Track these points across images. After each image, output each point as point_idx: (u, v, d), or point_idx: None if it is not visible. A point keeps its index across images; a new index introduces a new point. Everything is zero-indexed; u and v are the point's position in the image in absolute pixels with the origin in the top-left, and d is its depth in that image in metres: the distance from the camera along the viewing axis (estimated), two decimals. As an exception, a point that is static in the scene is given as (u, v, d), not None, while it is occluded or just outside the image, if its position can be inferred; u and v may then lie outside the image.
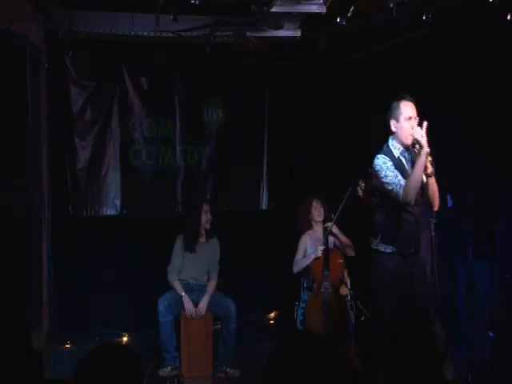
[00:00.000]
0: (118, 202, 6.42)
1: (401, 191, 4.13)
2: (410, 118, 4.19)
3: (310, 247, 5.95)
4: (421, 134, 4.06)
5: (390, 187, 4.19)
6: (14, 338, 2.48)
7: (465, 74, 5.20)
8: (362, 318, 5.74)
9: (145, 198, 6.55)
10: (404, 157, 4.28)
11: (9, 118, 4.57)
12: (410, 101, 4.25)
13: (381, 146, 4.58)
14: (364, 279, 5.59)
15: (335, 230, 5.83)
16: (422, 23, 4.98)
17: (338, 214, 5.60)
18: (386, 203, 4.28)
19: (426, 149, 4.05)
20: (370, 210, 4.64)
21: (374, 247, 4.36)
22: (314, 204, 5.94)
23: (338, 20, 4.87)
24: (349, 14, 4.76)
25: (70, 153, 6.22)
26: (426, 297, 4.37)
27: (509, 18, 4.43)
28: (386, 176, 4.20)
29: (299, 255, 5.94)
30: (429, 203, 4.32)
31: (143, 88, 6.52)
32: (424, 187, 4.24)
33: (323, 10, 4.77)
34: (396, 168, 4.21)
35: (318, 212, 5.92)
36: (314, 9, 4.78)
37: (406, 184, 4.12)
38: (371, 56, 6.42)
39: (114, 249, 6.26)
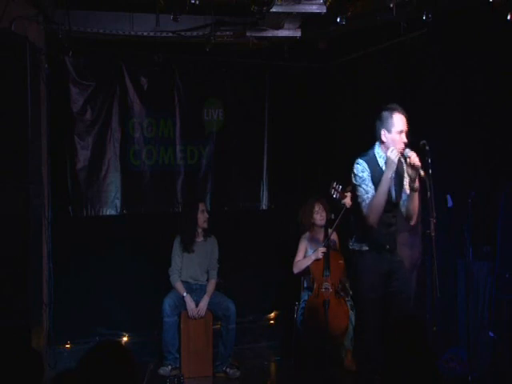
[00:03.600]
0: (118, 202, 6.41)
1: (365, 210, 4.22)
2: (402, 131, 4.25)
3: (310, 248, 5.96)
4: (416, 159, 4.14)
5: (358, 199, 4.30)
6: (14, 338, 2.49)
7: (465, 74, 5.21)
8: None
9: (145, 198, 6.54)
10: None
11: (9, 118, 4.56)
12: (402, 113, 4.29)
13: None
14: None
15: (334, 236, 5.88)
16: (422, 23, 4.98)
17: (336, 223, 5.57)
18: (359, 206, 4.33)
19: (421, 172, 4.11)
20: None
21: (351, 247, 4.46)
22: (317, 208, 5.95)
23: (338, 20, 4.87)
24: (349, 14, 4.77)
25: (70, 153, 6.22)
26: (406, 292, 4.40)
27: (509, 18, 4.43)
28: (358, 187, 4.29)
29: (299, 256, 5.95)
30: (407, 217, 4.35)
31: (143, 88, 6.52)
32: (407, 199, 4.29)
33: (323, 10, 4.78)
34: (375, 178, 4.25)
35: (320, 216, 5.93)
36: (314, 9, 4.78)
37: (370, 204, 4.20)
38: (371, 56, 6.43)
39: (114, 249, 6.25)
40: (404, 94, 5.81)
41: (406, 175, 4.35)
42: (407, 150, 4.20)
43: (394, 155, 4.18)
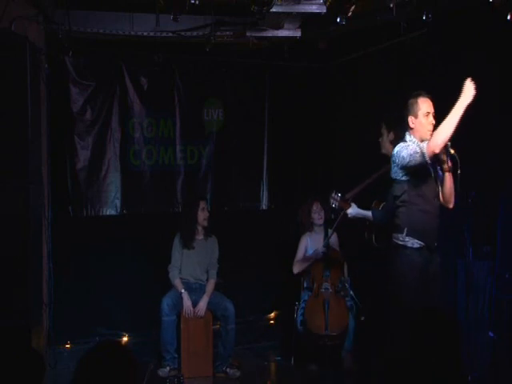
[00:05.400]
0: (118, 202, 6.41)
1: (424, 148, 4.09)
2: (428, 113, 4.25)
3: (310, 248, 5.96)
4: None
5: (413, 158, 4.13)
6: (14, 338, 2.48)
7: (465, 74, 5.20)
8: (362, 318, 5.74)
9: (145, 198, 6.54)
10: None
11: (9, 118, 4.56)
12: (427, 97, 4.30)
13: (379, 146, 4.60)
14: (365, 280, 5.62)
15: (334, 239, 5.88)
16: (422, 23, 4.98)
17: (336, 224, 5.57)
18: (410, 197, 4.22)
19: (450, 150, 4.05)
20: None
21: (401, 242, 4.22)
22: (315, 208, 5.95)
23: (338, 20, 4.87)
24: (349, 14, 4.76)
25: (70, 153, 6.22)
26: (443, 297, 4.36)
27: (509, 18, 4.43)
28: (406, 151, 4.17)
29: (299, 256, 5.95)
30: (444, 201, 4.30)
31: (143, 88, 6.52)
32: (440, 183, 4.24)
33: (323, 10, 4.77)
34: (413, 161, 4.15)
35: (318, 215, 5.94)
36: (314, 9, 4.78)
37: (438, 129, 4.07)
38: (371, 56, 6.42)
39: (114, 249, 6.25)
40: (404, 94, 5.80)
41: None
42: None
43: (470, 86, 4.08)
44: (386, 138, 5.02)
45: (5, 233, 4.49)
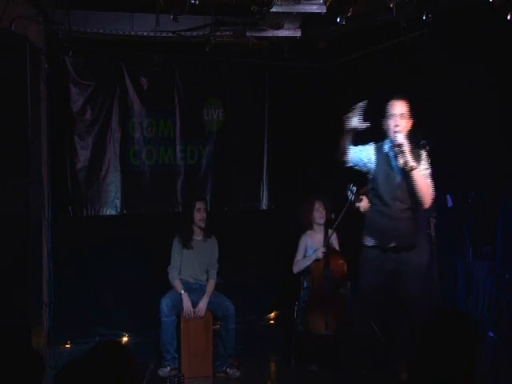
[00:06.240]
0: (118, 202, 6.41)
1: None
2: (393, 115, 4.35)
3: (310, 247, 5.95)
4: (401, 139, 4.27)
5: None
6: (14, 338, 2.48)
7: (465, 74, 5.21)
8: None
9: (145, 198, 6.54)
10: (393, 153, 4.31)
11: (9, 118, 4.56)
12: (399, 99, 4.37)
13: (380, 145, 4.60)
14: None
15: (334, 239, 5.88)
16: (422, 23, 4.98)
17: (337, 223, 5.57)
18: (371, 197, 4.47)
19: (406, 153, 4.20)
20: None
21: (362, 241, 4.56)
22: (317, 206, 5.94)
23: (338, 20, 4.87)
24: (349, 14, 4.76)
25: (70, 153, 6.22)
26: (411, 297, 4.37)
27: (509, 18, 4.43)
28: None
29: (299, 256, 5.95)
30: (418, 201, 4.33)
31: (143, 88, 6.52)
32: (410, 182, 4.26)
33: (323, 10, 4.78)
34: (381, 162, 4.37)
35: (319, 214, 5.93)
36: (314, 9, 4.78)
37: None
38: (371, 56, 6.42)
39: (114, 249, 6.26)
40: (404, 94, 5.81)
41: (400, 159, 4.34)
42: (398, 136, 4.25)
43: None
44: None
45: (5, 233, 4.49)
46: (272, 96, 7.09)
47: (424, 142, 4.64)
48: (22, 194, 4.62)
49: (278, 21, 5.13)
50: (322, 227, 5.91)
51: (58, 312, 5.51)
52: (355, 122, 4.27)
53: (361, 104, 4.26)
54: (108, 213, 6.38)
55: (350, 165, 4.51)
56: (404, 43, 5.69)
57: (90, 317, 6.08)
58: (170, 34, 5.63)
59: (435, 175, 4.53)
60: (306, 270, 5.87)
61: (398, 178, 4.32)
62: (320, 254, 5.73)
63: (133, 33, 5.63)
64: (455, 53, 5.29)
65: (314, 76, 7.15)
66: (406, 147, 4.22)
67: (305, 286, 5.93)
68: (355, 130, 4.32)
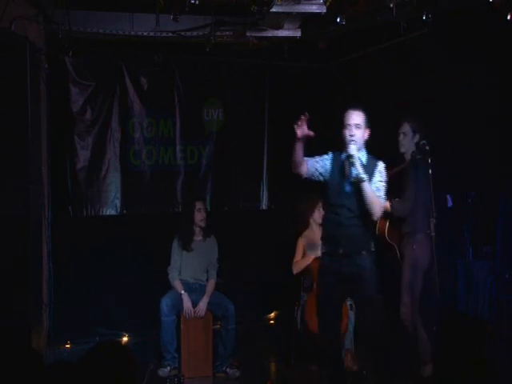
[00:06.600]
0: (118, 202, 6.42)
1: None
2: (347, 125, 4.35)
3: (308, 248, 5.95)
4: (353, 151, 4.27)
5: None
6: (14, 338, 2.48)
7: (465, 74, 5.21)
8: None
9: (145, 198, 6.55)
10: (348, 161, 4.34)
11: (9, 118, 4.56)
12: (355, 109, 4.38)
13: (381, 145, 4.58)
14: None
15: None
16: (422, 23, 4.98)
17: None
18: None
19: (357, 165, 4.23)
20: None
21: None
22: (318, 205, 5.93)
23: (338, 20, 4.87)
24: (349, 14, 4.77)
25: (70, 153, 6.22)
26: (366, 298, 4.39)
27: (509, 18, 4.43)
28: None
29: (298, 256, 5.94)
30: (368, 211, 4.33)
31: (143, 88, 6.52)
32: (359, 193, 4.29)
33: (323, 10, 4.78)
34: (335, 171, 4.41)
35: (320, 214, 5.91)
36: (314, 9, 4.78)
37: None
38: (371, 56, 6.43)
39: (114, 249, 6.26)
40: (404, 94, 5.81)
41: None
42: (350, 146, 4.27)
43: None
44: (411, 138, 5.00)
45: (5, 233, 4.49)
46: (272, 96, 7.09)
47: (424, 142, 4.64)
48: (22, 194, 4.63)
49: (278, 21, 5.13)
50: (320, 227, 5.89)
51: (57, 312, 5.51)
52: (300, 131, 4.30)
53: (303, 116, 4.28)
54: (108, 213, 6.38)
55: (305, 176, 4.54)
56: (404, 43, 5.69)
57: (90, 317, 6.08)
58: (170, 34, 5.63)
59: (435, 175, 4.53)
60: (306, 270, 5.86)
61: (347, 188, 4.35)
62: (319, 253, 5.72)
63: (133, 33, 5.64)
64: (455, 53, 5.29)
65: (314, 76, 7.15)
66: (357, 159, 4.25)
67: (305, 285, 5.93)
68: (302, 140, 4.34)
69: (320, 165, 4.52)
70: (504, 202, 4.94)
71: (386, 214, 4.93)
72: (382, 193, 4.34)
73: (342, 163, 4.40)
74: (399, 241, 5.02)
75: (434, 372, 4.84)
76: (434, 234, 4.65)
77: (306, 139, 4.31)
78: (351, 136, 4.32)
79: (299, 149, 4.38)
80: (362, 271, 4.35)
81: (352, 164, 4.28)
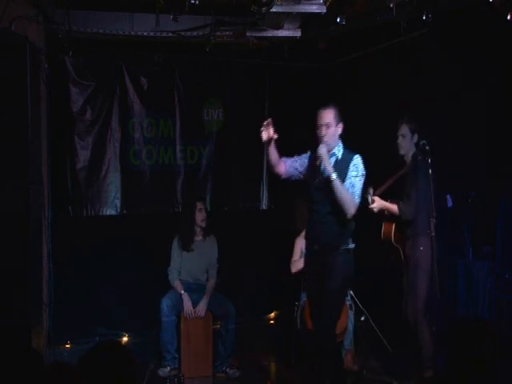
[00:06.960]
0: (118, 202, 6.42)
1: None
2: (319, 125, 4.50)
3: (306, 248, 5.95)
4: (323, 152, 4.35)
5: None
6: (14, 338, 2.48)
7: (465, 74, 5.21)
8: (362, 318, 5.73)
9: (145, 198, 6.55)
10: (317, 161, 4.40)
11: (9, 118, 4.56)
12: (325, 108, 4.55)
13: (381, 145, 4.60)
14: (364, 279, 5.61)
15: None
16: (422, 23, 4.98)
17: None
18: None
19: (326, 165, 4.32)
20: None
21: None
22: None
23: (338, 20, 4.88)
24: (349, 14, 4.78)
25: (70, 153, 6.22)
26: (334, 300, 4.41)
27: (509, 18, 4.44)
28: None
29: (296, 256, 5.94)
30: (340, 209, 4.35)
31: (143, 88, 6.52)
32: (329, 190, 4.32)
33: (323, 10, 4.78)
34: (310, 169, 4.50)
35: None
36: (314, 9, 4.78)
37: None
38: (371, 56, 6.43)
39: (114, 249, 6.26)
40: (404, 94, 5.81)
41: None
42: (320, 146, 4.35)
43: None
44: (410, 139, 4.98)
45: (5, 233, 4.49)
46: (272, 96, 7.08)
47: (424, 142, 4.64)
48: (22, 194, 4.63)
49: (278, 21, 5.14)
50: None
51: (57, 312, 5.51)
52: (265, 135, 4.32)
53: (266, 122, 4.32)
54: (108, 213, 6.38)
55: (285, 177, 4.61)
56: (404, 43, 5.70)
57: (90, 317, 6.08)
58: (170, 34, 5.63)
59: (435, 175, 4.53)
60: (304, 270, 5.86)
61: (320, 185, 4.37)
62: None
63: (133, 33, 5.63)
64: (455, 53, 5.29)
65: (314, 76, 7.14)
66: (326, 159, 4.31)
67: (304, 285, 5.93)
68: (271, 143, 4.40)
69: (299, 163, 4.61)
70: (504, 202, 4.95)
71: (392, 217, 4.92)
72: (356, 189, 4.36)
73: (314, 163, 4.45)
74: (403, 243, 4.99)
75: (434, 372, 4.84)
76: (433, 234, 4.64)
77: (278, 141, 4.42)
78: (322, 137, 4.43)
79: (272, 151, 4.47)
80: (333, 268, 4.38)
81: (320, 164, 4.35)
